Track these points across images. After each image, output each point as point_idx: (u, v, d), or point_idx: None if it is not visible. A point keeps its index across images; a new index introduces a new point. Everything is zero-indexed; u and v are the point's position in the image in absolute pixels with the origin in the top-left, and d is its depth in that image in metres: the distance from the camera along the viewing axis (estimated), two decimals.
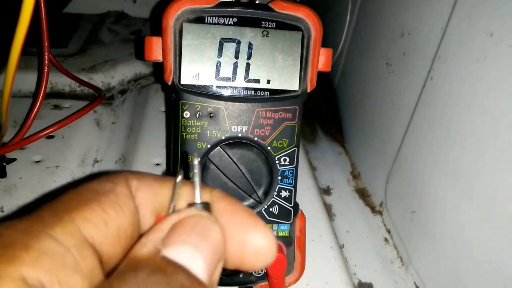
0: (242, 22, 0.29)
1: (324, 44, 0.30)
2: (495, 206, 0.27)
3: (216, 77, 0.29)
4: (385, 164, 0.42)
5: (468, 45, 0.30)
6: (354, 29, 0.52)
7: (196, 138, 0.29)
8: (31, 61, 0.50)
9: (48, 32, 0.38)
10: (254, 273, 0.31)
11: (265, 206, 0.30)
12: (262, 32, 0.29)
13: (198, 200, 0.15)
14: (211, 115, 0.29)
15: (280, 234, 0.31)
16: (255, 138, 0.30)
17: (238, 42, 0.29)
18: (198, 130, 0.29)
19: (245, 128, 0.29)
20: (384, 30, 0.44)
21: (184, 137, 0.29)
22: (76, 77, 0.51)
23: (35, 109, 0.39)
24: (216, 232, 0.14)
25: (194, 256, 0.13)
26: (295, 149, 0.31)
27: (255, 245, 0.15)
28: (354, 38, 0.52)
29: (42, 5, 0.36)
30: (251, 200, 0.30)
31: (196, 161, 0.15)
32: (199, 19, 0.28)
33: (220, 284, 0.30)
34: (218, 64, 0.29)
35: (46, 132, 0.41)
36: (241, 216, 0.15)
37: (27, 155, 0.41)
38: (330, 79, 0.59)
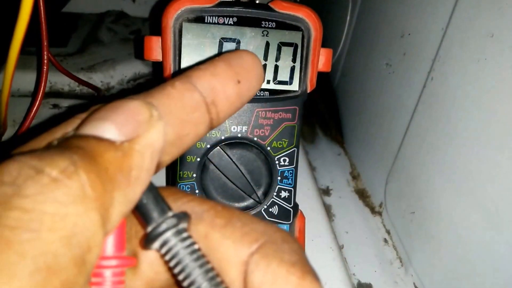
0: (242, 22, 0.29)
1: (324, 44, 0.30)
2: (495, 206, 0.27)
3: None
4: (385, 164, 0.42)
5: (469, 45, 0.30)
6: (354, 29, 0.52)
7: None
8: (30, 61, 0.50)
9: (47, 31, 0.38)
10: None
11: (265, 207, 0.30)
12: (262, 32, 0.29)
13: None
14: None
15: None
16: (255, 138, 0.30)
17: (238, 42, 0.29)
18: None
19: (244, 128, 0.29)
20: (385, 31, 0.44)
21: None
22: (75, 77, 0.51)
23: (34, 108, 0.39)
24: (132, 103, 0.12)
25: (100, 124, 0.12)
26: (294, 150, 0.30)
27: None
28: (354, 38, 0.52)
29: (41, 4, 0.36)
30: (251, 200, 0.30)
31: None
32: (198, 19, 0.28)
33: None
34: None
35: None
36: (286, 269, 0.13)
37: None
38: (330, 79, 0.59)
